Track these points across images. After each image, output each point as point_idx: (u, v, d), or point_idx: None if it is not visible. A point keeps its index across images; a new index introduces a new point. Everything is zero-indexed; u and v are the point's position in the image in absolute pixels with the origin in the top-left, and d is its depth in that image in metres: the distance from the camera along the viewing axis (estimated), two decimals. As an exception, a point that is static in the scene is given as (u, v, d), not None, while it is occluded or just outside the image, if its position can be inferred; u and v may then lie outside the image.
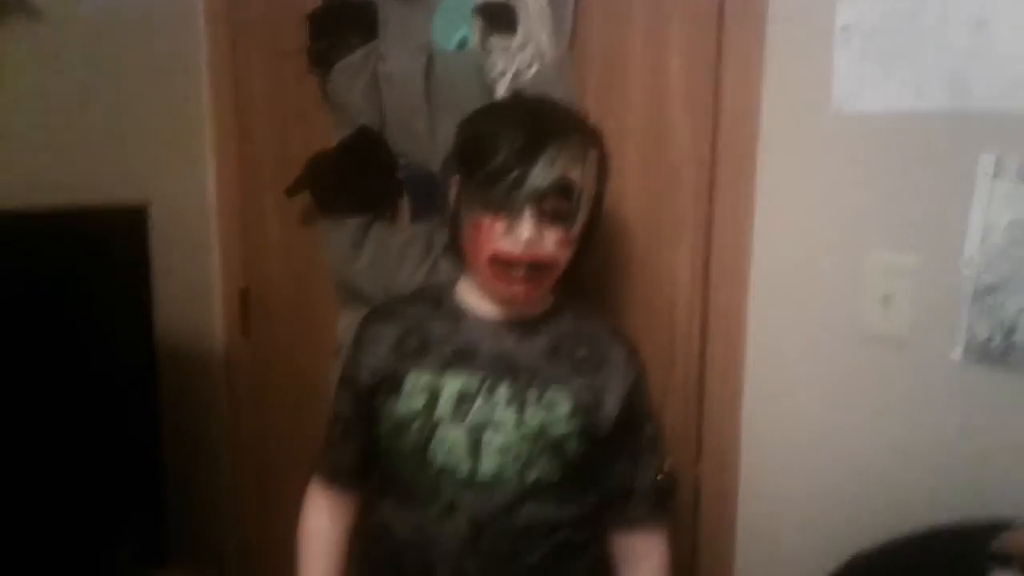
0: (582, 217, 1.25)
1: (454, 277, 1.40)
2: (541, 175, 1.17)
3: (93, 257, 1.60)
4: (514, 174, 1.17)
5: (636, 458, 1.33)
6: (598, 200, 1.29)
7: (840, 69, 1.35)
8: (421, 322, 1.34)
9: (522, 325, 1.32)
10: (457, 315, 1.34)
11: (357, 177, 1.77)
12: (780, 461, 1.51)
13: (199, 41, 2.07)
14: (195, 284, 2.13)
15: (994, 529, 1.22)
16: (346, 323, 1.91)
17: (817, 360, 1.44)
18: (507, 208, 1.20)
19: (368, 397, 1.33)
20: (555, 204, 1.20)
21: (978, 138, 1.26)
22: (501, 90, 1.54)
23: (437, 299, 1.38)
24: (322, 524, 1.42)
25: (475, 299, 1.34)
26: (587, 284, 1.58)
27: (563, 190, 1.20)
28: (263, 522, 2.19)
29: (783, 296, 1.47)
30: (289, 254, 2.06)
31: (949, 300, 1.31)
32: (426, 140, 1.69)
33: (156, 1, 1.96)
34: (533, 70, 1.52)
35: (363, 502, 1.44)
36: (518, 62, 1.52)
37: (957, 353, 1.31)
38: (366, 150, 1.75)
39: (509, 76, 1.53)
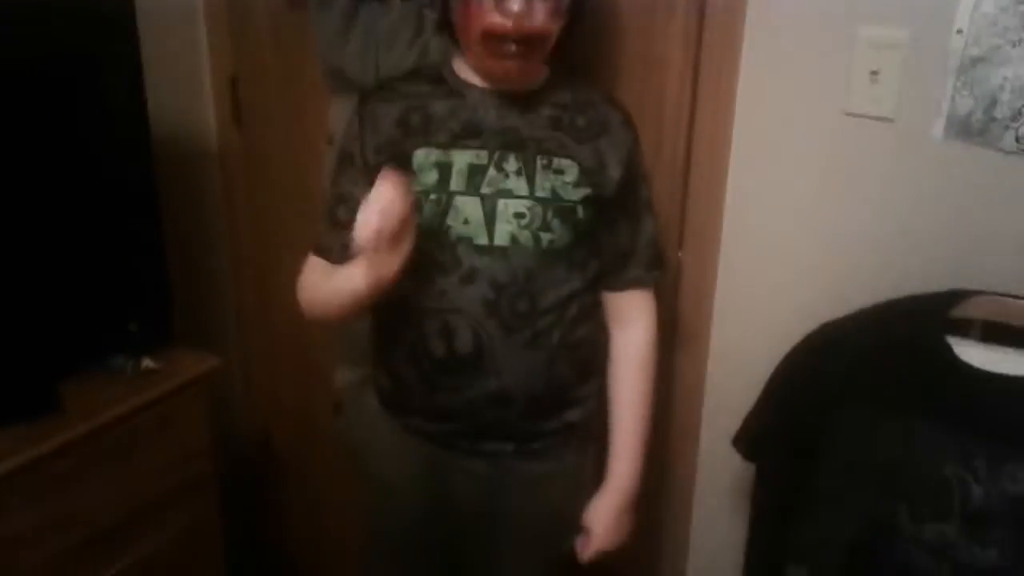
0: None
1: (448, 56, 1.39)
2: None
3: (81, 38, 1.56)
4: None
5: (633, 220, 1.39)
6: None
7: None
8: (422, 100, 1.35)
9: (522, 98, 1.34)
10: (458, 91, 1.35)
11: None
12: (761, 236, 1.56)
13: None
14: (185, 74, 2.10)
15: (954, 297, 1.27)
16: (338, 110, 1.91)
17: (803, 136, 1.46)
18: None
19: (375, 175, 1.33)
20: None
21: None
22: None
23: (435, 77, 1.38)
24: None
25: (472, 75, 1.34)
26: (577, 62, 1.57)
27: None
28: (261, 303, 2.27)
29: (773, 72, 1.47)
30: (278, 41, 2.02)
31: (935, 74, 1.31)
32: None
33: None
34: None
35: None
36: None
37: (938, 128, 1.32)
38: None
39: None
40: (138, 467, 1.65)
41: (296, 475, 2.38)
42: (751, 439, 1.45)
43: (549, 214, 1.29)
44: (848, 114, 1.40)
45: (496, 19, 1.21)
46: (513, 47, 1.23)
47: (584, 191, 1.31)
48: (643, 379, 1.45)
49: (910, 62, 1.33)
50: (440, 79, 1.37)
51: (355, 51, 1.78)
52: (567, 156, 1.32)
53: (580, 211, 1.31)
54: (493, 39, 1.23)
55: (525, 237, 1.29)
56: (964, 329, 1.27)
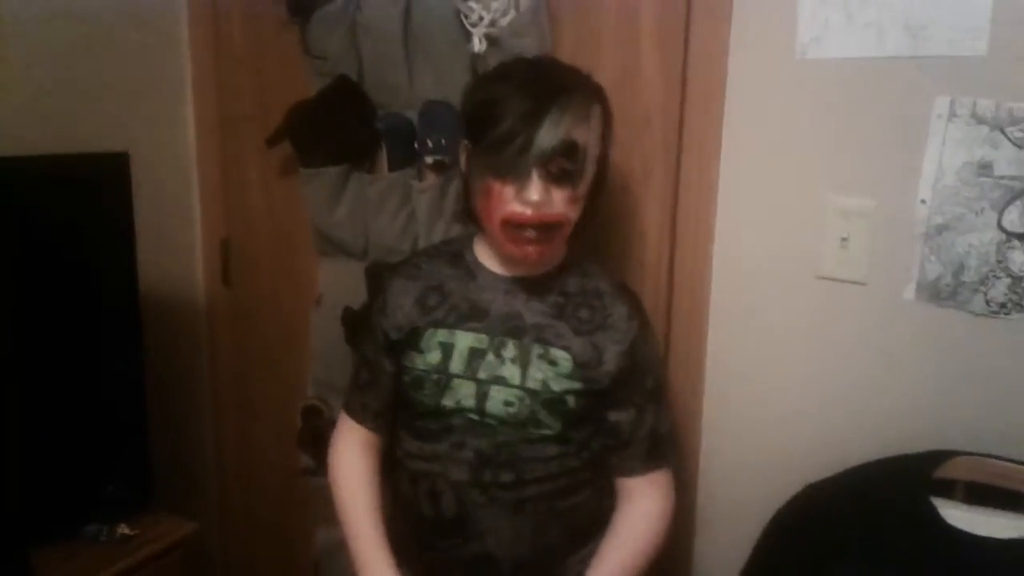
0: (588, 175, 1.28)
1: (471, 232, 1.44)
2: (547, 138, 1.20)
3: (76, 204, 1.61)
4: (520, 139, 1.20)
5: (635, 409, 1.36)
6: (603, 157, 1.32)
7: (804, 15, 1.39)
8: (441, 279, 1.40)
9: (531, 284, 1.37)
10: (472, 272, 1.39)
11: (335, 127, 1.80)
12: (742, 399, 1.57)
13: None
14: (177, 234, 2.15)
15: (937, 458, 1.28)
16: (326, 272, 1.95)
17: (779, 300, 1.50)
18: (515, 172, 1.22)
19: (395, 350, 1.40)
20: (561, 165, 1.23)
21: (934, 82, 1.31)
22: (477, 37, 1.57)
23: (456, 255, 1.43)
24: (355, 457, 1.47)
25: (489, 257, 1.39)
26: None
27: (568, 151, 1.22)
28: (244, 466, 2.24)
29: (747, 241, 1.52)
30: (269, 204, 2.09)
31: (903, 241, 1.36)
32: (404, 89, 1.72)
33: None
34: (508, 18, 1.56)
35: (388, 441, 1.49)
36: (493, 10, 1.56)
37: (910, 292, 1.36)
38: (344, 99, 1.78)
39: (485, 24, 1.57)
40: (109, 638, 1.59)
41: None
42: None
43: (537, 405, 1.30)
44: (821, 278, 1.44)
45: (516, 208, 1.24)
46: (532, 233, 1.26)
47: (575, 384, 1.31)
48: (640, 534, 1.38)
49: (878, 229, 1.38)
50: (461, 257, 1.42)
51: (343, 217, 1.84)
52: (563, 347, 1.32)
53: (570, 402, 1.31)
54: (513, 226, 1.26)
55: (513, 421, 1.30)
56: (948, 490, 1.27)
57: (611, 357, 1.33)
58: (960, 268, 1.32)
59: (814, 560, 1.28)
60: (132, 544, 1.64)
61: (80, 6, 1.85)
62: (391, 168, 1.79)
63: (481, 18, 1.56)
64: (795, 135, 1.44)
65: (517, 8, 1.55)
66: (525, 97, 1.21)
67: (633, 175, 1.62)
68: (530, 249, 1.28)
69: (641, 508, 1.39)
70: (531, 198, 1.23)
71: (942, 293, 1.34)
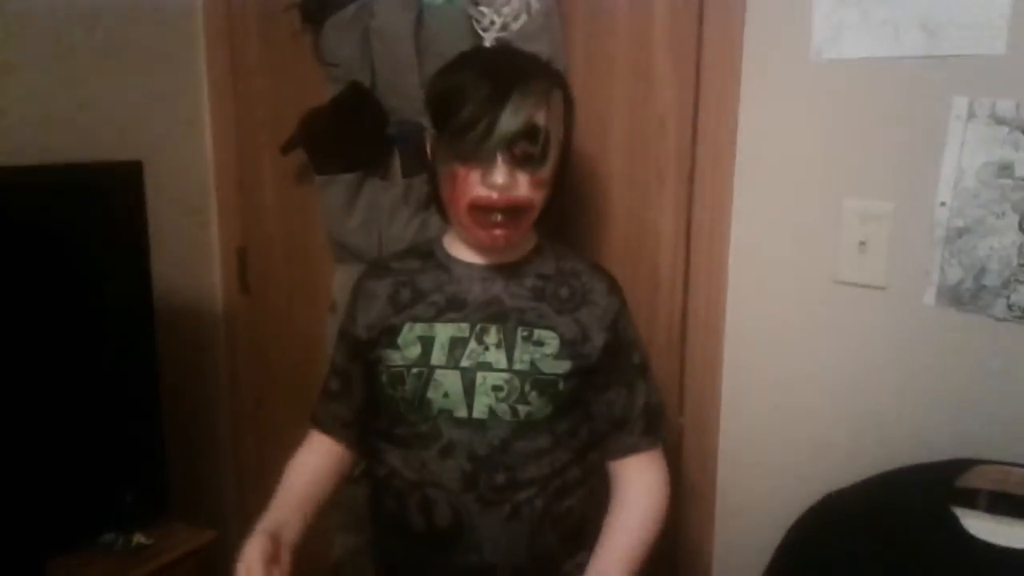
0: (552, 157, 1.28)
1: (440, 232, 1.45)
2: (509, 121, 1.21)
3: (90, 213, 1.62)
4: (483, 123, 1.21)
5: (626, 386, 1.37)
6: (567, 140, 1.33)
7: (819, 15, 1.37)
8: (412, 276, 1.39)
9: (507, 269, 1.36)
10: (445, 265, 1.39)
11: (349, 134, 1.79)
12: (759, 406, 1.55)
13: (195, 2, 2.10)
14: (194, 242, 2.16)
15: (959, 466, 1.25)
16: (340, 279, 1.94)
17: (797, 305, 1.47)
18: (479, 157, 1.24)
19: (366, 352, 1.39)
20: (525, 148, 1.24)
21: (951, 82, 1.28)
22: (488, 42, 1.56)
23: (426, 252, 1.43)
24: (308, 459, 1.46)
25: (461, 249, 1.38)
26: (571, 236, 1.61)
27: (530, 133, 1.23)
28: (261, 474, 2.23)
29: (763, 245, 1.50)
30: (285, 212, 2.09)
31: (922, 245, 1.33)
32: (416, 95, 1.71)
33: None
34: (520, 22, 1.54)
35: (354, 455, 1.49)
36: (505, 14, 1.55)
37: (930, 296, 1.34)
38: (357, 106, 1.77)
39: (496, 28, 1.55)
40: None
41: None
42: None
43: (527, 387, 1.29)
44: (839, 282, 1.42)
45: (482, 192, 1.25)
46: (499, 217, 1.27)
47: (564, 363, 1.31)
48: (644, 511, 1.36)
49: (897, 233, 1.35)
50: (431, 254, 1.42)
51: (358, 224, 1.84)
52: (548, 327, 1.32)
53: (561, 384, 1.31)
54: (479, 210, 1.27)
55: (503, 410, 1.29)
56: (970, 499, 1.23)
57: (596, 333, 1.34)
58: (981, 272, 1.29)
59: (833, 570, 1.25)
60: (148, 553, 1.65)
61: (96, 13, 1.86)
62: (404, 174, 1.78)
63: (492, 23, 1.55)
64: (811, 137, 1.42)
65: (528, 12, 1.54)
66: (486, 83, 1.23)
67: (647, 178, 1.61)
68: (498, 233, 1.28)
69: (644, 483, 1.37)
70: (496, 181, 1.24)
71: (963, 297, 1.31)
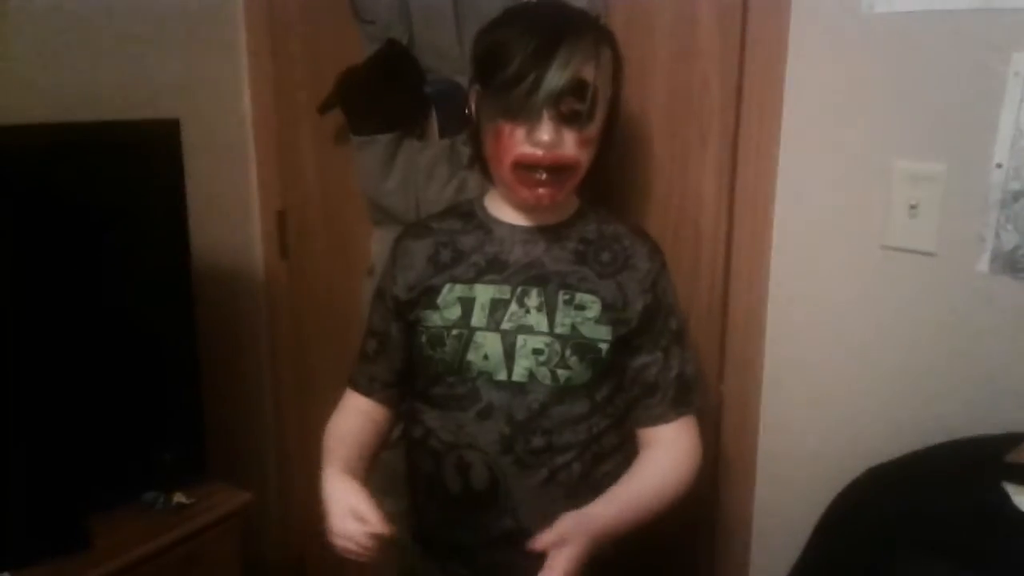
0: (600, 117, 1.26)
1: (483, 191, 1.43)
2: (555, 77, 1.19)
3: (127, 171, 1.61)
4: (530, 79, 1.19)
5: (661, 351, 1.34)
6: (615, 100, 1.30)
7: (871, -34, 1.30)
8: (453, 236, 1.38)
9: (549, 231, 1.35)
10: (487, 226, 1.38)
11: (386, 93, 1.77)
12: (802, 374, 1.50)
13: None
14: (234, 205, 2.16)
15: (1010, 441, 1.20)
16: (378, 242, 1.93)
17: (843, 271, 1.43)
18: (525, 113, 1.21)
19: (405, 312, 1.38)
20: (571, 104, 1.21)
21: (1010, 37, 1.21)
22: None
23: (467, 213, 1.41)
24: (348, 421, 1.45)
25: (503, 209, 1.37)
26: (612, 197, 1.57)
27: (578, 90, 1.20)
28: (301, 437, 2.25)
29: (809, 207, 1.45)
30: (324, 174, 2.08)
31: (976, 208, 1.28)
32: (454, 53, 1.68)
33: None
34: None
35: (393, 417, 1.49)
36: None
37: (983, 263, 1.28)
38: (394, 65, 1.74)
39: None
40: (167, 604, 1.62)
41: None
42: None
43: (567, 351, 1.27)
44: (887, 248, 1.37)
45: (527, 149, 1.23)
46: (544, 175, 1.25)
47: (606, 327, 1.29)
48: (657, 478, 1.32)
49: (950, 196, 1.29)
50: (471, 214, 1.40)
51: (395, 185, 1.82)
52: (589, 291, 1.30)
53: (601, 344, 1.29)
54: (524, 168, 1.25)
55: (543, 374, 1.28)
56: (1021, 475, 1.19)
57: (636, 296, 1.32)
58: (1040, 237, 1.23)
59: (873, 547, 1.21)
60: (188, 512, 1.67)
61: None
62: (442, 134, 1.75)
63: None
64: (861, 94, 1.36)
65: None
66: (534, 38, 1.20)
67: (690, 140, 1.56)
68: (542, 192, 1.26)
69: (666, 454, 1.34)
70: (542, 138, 1.22)
71: (1019, 264, 1.25)
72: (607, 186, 1.58)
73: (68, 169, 1.54)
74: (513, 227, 1.35)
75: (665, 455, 1.34)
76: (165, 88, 1.92)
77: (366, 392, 1.47)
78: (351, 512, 1.24)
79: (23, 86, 1.67)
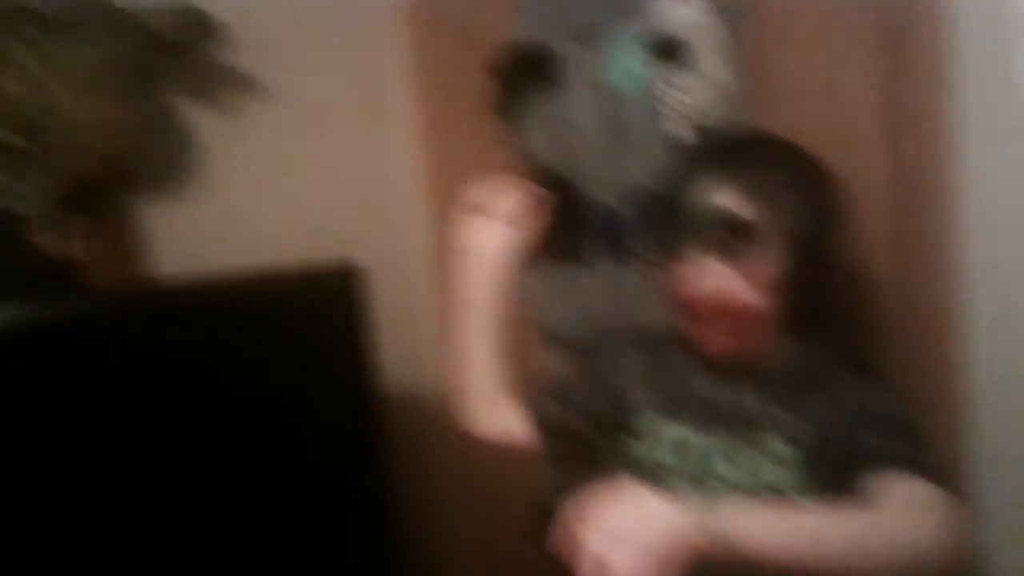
0: (772, 256, 1.16)
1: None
2: (698, 205, 1.15)
3: (304, 322, 1.53)
4: (680, 213, 1.17)
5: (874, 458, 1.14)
6: (811, 239, 1.18)
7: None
8: (653, 362, 1.36)
9: (738, 369, 1.26)
10: (678, 357, 1.32)
11: (557, 225, 1.80)
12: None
13: (410, 113, 2.03)
14: (418, 352, 2.05)
15: None
16: (551, 369, 1.93)
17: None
18: (677, 248, 1.19)
19: (596, 422, 1.38)
20: (722, 238, 1.15)
21: None
22: (680, 128, 1.55)
23: (661, 339, 1.37)
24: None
25: (693, 343, 1.29)
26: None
27: (728, 222, 1.14)
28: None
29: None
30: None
31: None
32: (606, 182, 1.71)
33: (369, 77, 1.99)
34: (708, 104, 1.51)
35: None
36: (694, 99, 1.51)
37: None
38: (559, 197, 1.77)
39: (686, 114, 1.52)
40: None
41: None
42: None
43: (756, 494, 1.17)
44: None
45: (688, 288, 1.19)
46: (713, 317, 1.19)
47: (795, 464, 1.18)
48: (870, 516, 1.05)
49: None
50: (664, 341, 1.36)
51: (566, 313, 1.82)
52: (778, 433, 1.20)
53: (792, 483, 1.17)
54: (690, 307, 1.21)
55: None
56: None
57: (828, 432, 1.17)
58: None
59: None
60: None
61: (319, 130, 1.89)
62: (607, 261, 1.77)
63: (678, 111, 1.51)
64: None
65: (719, 95, 1.50)
66: (694, 173, 1.18)
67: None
68: (712, 334, 1.20)
69: (895, 496, 1.04)
70: (701, 276, 1.17)
71: None
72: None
73: (244, 319, 1.47)
74: (701, 363, 1.30)
75: (886, 504, 1.07)
76: (348, 239, 1.80)
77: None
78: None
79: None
